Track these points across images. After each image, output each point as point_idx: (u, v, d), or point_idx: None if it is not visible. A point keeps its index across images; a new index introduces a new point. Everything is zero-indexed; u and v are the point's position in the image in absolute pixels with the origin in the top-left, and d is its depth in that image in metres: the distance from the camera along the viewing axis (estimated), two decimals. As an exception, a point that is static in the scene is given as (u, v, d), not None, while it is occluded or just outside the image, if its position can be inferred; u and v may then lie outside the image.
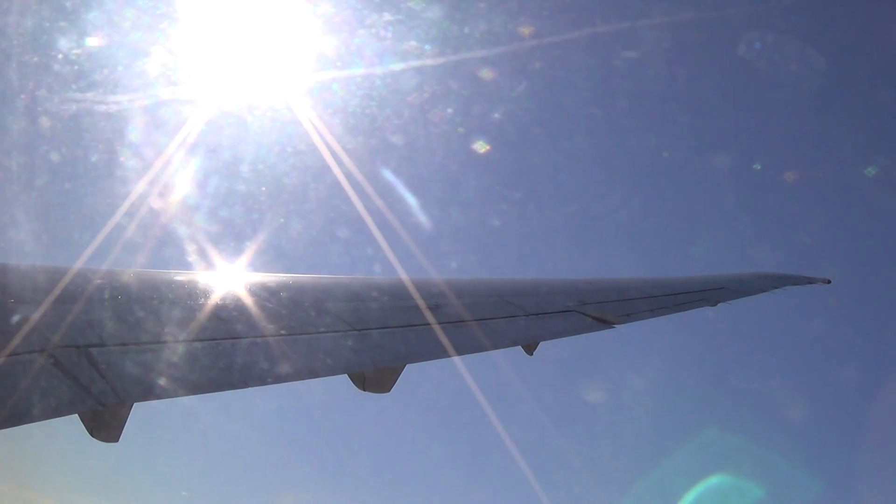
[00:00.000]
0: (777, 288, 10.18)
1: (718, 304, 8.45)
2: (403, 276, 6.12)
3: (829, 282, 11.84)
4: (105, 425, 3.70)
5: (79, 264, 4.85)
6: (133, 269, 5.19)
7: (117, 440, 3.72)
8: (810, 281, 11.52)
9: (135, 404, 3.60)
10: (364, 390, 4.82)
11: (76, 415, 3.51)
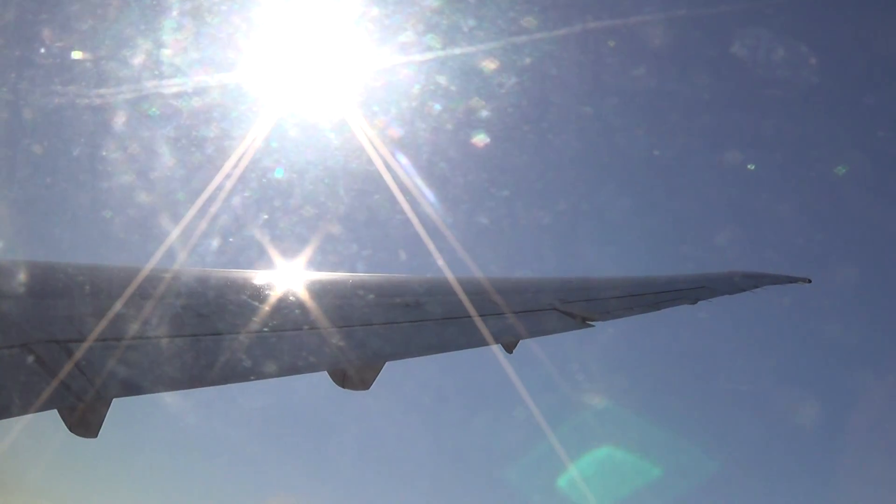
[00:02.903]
0: (757, 287, 10.26)
1: (698, 303, 8.52)
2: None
3: (809, 281, 11.95)
4: (84, 421, 3.71)
5: (59, 258, 4.85)
6: (113, 264, 5.20)
7: (96, 436, 3.73)
8: (791, 280, 11.62)
9: (114, 400, 3.62)
10: (343, 387, 4.85)
11: (55, 410, 3.52)
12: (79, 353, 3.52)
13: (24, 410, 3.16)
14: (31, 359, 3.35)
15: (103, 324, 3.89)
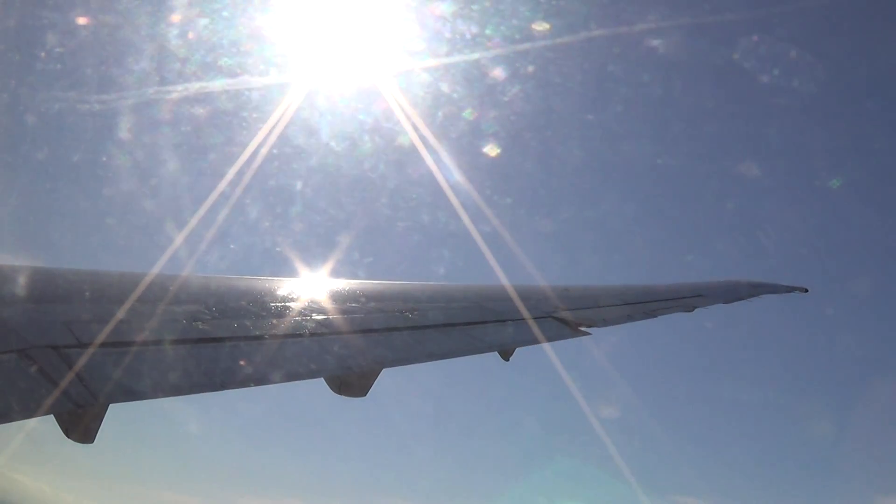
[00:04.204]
0: (754, 296, 10.31)
1: (695, 311, 8.57)
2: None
3: (806, 291, 12.00)
4: (81, 426, 3.72)
5: (57, 264, 4.87)
6: (110, 269, 5.22)
7: (92, 441, 3.74)
8: (788, 290, 11.67)
9: (110, 405, 3.63)
10: (340, 394, 4.86)
11: (52, 415, 3.53)
12: (76, 359, 3.53)
13: (21, 416, 3.17)
14: (28, 364, 3.36)
15: (101, 330, 3.91)
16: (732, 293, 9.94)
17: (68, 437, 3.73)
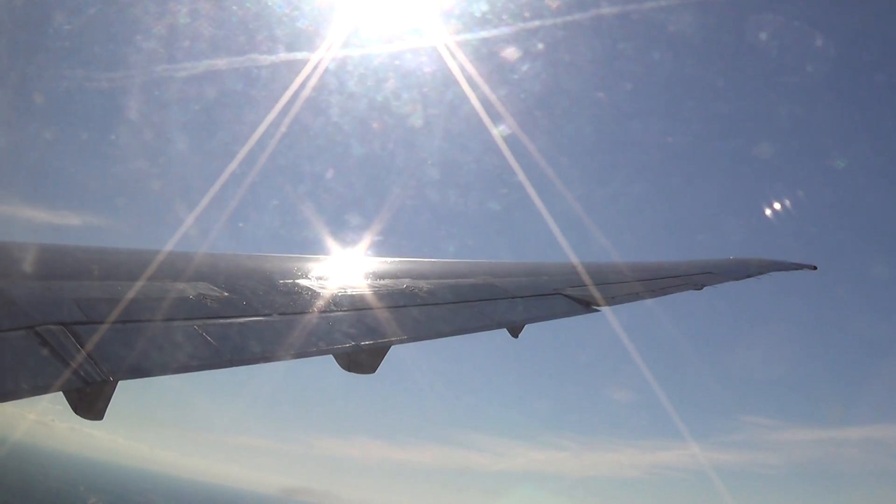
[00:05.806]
0: (763, 273, 10.31)
1: (704, 288, 8.57)
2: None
3: (815, 268, 11.99)
4: (90, 403, 3.73)
5: (66, 242, 4.87)
6: (119, 247, 5.22)
7: (101, 418, 3.75)
8: (797, 267, 11.67)
9: (119, 382, 3.63)
10: (349, 371, 4.87)
11: (61, 392, 3.53)
12: (86, 336, 3.53)
13: (30, 393, 3.18)
14: (37, 341, 3.36)
15: (110, 307, 3.91)
16: (742, 271, 9.94)
17: (77, 413, 3.74)
